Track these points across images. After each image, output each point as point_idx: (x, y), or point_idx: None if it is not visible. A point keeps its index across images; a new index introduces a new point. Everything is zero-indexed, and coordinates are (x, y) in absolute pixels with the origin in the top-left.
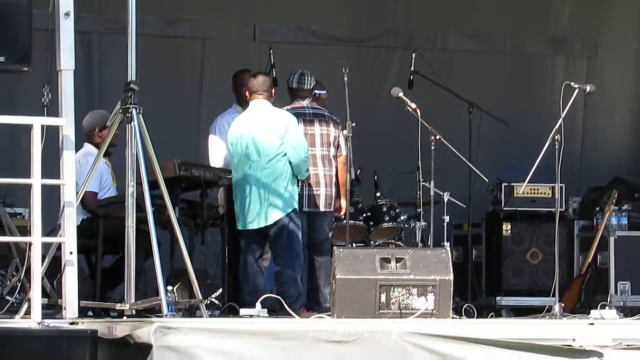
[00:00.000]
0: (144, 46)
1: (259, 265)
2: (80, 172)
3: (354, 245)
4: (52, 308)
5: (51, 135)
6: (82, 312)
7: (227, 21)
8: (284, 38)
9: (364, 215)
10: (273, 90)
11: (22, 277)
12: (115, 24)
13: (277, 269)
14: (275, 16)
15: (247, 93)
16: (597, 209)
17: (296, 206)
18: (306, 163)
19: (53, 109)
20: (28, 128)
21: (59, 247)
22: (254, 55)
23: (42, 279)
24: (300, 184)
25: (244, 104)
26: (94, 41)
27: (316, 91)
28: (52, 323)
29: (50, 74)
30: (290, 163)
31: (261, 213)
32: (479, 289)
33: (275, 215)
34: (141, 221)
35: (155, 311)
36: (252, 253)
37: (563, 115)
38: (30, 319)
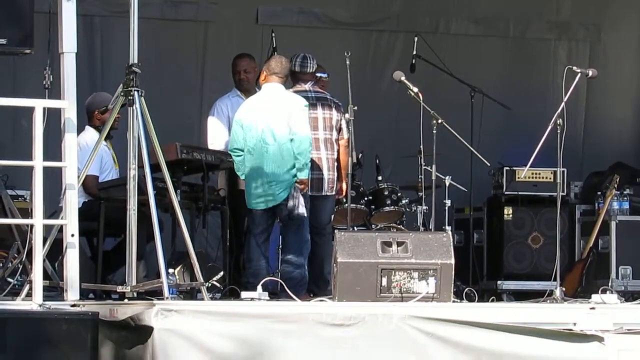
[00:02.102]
0: (147, 29)
1: (264, 248)
2: (81, 154)
3: (355, 228)
4: (54, 290)
5: (53, 118)
6: (84, 295)
7: (229, 4)
8: (286, 21)
9: (366, 198)
10: (289, 77)
11: (23, 260)
12: (117, 7)
13: (284, 252)
14: None
15: (264, 73)
16: (599, 193)
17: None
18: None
19: (55, 92)
20: (30, 110)
21: (61, 229)
22: (257, 39)
23: (44, 261)
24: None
25: (242, 87)
26: (96, 24)
27: (317, 74)
28: (54, 305)
29: (52, 57)
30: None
31: (272, 193)
32: (480, 273)
33: (285, 194)
34: (143, 204)
35: (157, 294)
36: (258, 235)
37: (565, 99)
38: (32, 301)
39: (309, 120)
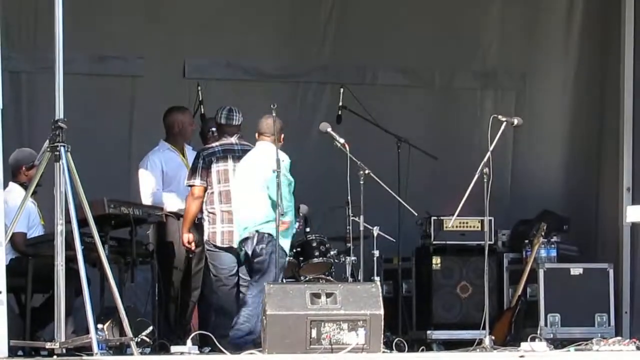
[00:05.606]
0: (74, 84)
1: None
2: (6, 211)
3: (284, 280)
4: None
5: None
6: (12, 352)
7: (156, 58)
8: (214, 74)
9: (294, 250)
10: (282, 135)
11: None
12: (44, 63)
13: (247, 304)
14: (205, 52)
15: (256, 134)
16: (526, 241)
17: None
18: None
19: None
20: None
21: None
22: (184, 92)
23: None
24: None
25: (172, 140)
26: (23, 80)
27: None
28: None
29: None
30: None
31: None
32: (409, 323)
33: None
34: (71, 259)
35: (86, 349)
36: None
37: (491, 148)
38: None
39: (234, 172)
